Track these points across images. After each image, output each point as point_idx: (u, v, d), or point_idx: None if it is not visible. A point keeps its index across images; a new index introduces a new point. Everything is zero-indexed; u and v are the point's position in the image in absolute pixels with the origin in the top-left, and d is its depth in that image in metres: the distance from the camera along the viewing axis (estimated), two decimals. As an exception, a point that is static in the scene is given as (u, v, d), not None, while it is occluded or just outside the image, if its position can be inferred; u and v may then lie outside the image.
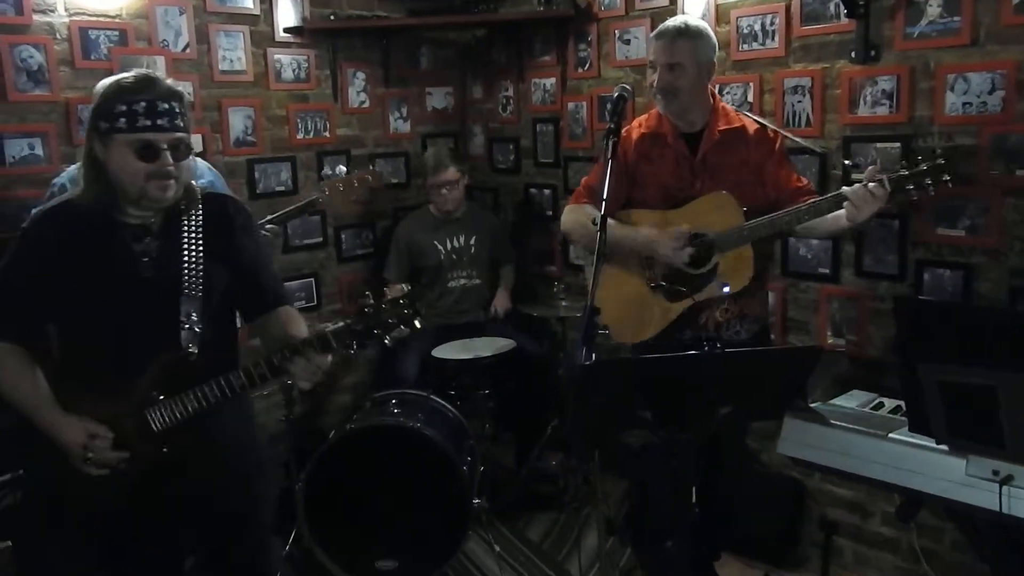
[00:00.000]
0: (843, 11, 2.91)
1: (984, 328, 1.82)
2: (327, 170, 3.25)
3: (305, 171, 3.97)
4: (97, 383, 1.93)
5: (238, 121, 3.74)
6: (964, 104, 2.70)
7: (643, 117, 2.77)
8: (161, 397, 1.93)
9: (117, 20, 3.39)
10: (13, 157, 3.18)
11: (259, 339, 2.17)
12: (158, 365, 1.93)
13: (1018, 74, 2.58)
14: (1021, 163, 2.61)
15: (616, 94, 2.44)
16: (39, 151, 3.22)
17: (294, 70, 3.92)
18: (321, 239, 4.10)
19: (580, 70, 3.95)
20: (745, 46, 3.24)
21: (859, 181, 2.31)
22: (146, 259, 1.93)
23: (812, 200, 2.43)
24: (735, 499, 2.91)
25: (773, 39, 3.16)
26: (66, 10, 3.25)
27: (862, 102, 2.94)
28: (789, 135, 2.58)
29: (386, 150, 4.32)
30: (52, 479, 1.99)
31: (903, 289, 2.91)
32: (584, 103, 3.95)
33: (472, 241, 4.02)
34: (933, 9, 2.73)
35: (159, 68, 3.44)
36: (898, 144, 2.85)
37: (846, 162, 2.46)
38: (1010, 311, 2.56)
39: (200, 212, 2.01)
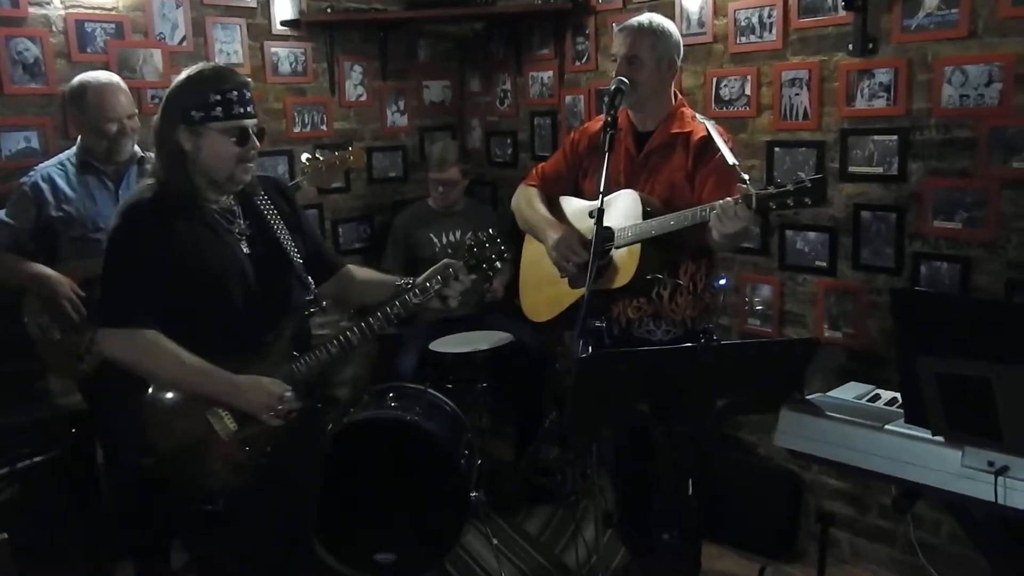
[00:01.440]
0: (841, 3, 2.91)
1: (981, 320, 1.82)
2: (307, 153, 3.27)
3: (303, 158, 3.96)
4: (225, 356, 2.01)
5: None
6: (962, 96, 2.70)
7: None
8: (297, 352, 2.10)
9: (113, 13, 3.38)
10: (9, 151, 3.18)
11: (342, 297, 2.38)
12: (294, 325, 2.11)
13: (1016, 67, 2.58)
14: (1018, 156, 2.61)
15: (613, 87, 2.45)
16: (35, 144, 3.22)
17: (291, 63, 3.91)
18: (318, 232, 4.10)
19: (578, 63, 3.94)
20: (743, 39, 3.24)
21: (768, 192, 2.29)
22: (244, 238, 2.08)
23: (695, 207, 2.38)
24: (716, 487, 2.92)
25: (771, 32, 3.15)
26: (62, 3, 3.25)
27: (859, 95, 2.94)
28: (724, 152, 2.53)
29: (384, 143, 4.32)
30: (168, 466, 2.04)
31: (900, 282, 2.92)
32: (582, 96, 3.95)
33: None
34: (931, 1, 2.72)
35: (156, 61, 3.45)
36: (895, 137, 2.86)
37: (743, 176, 2.40)
38: (1007, 304, 2.56)
39: (263, 192, 2.14)
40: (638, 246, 2.50)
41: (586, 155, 2.74)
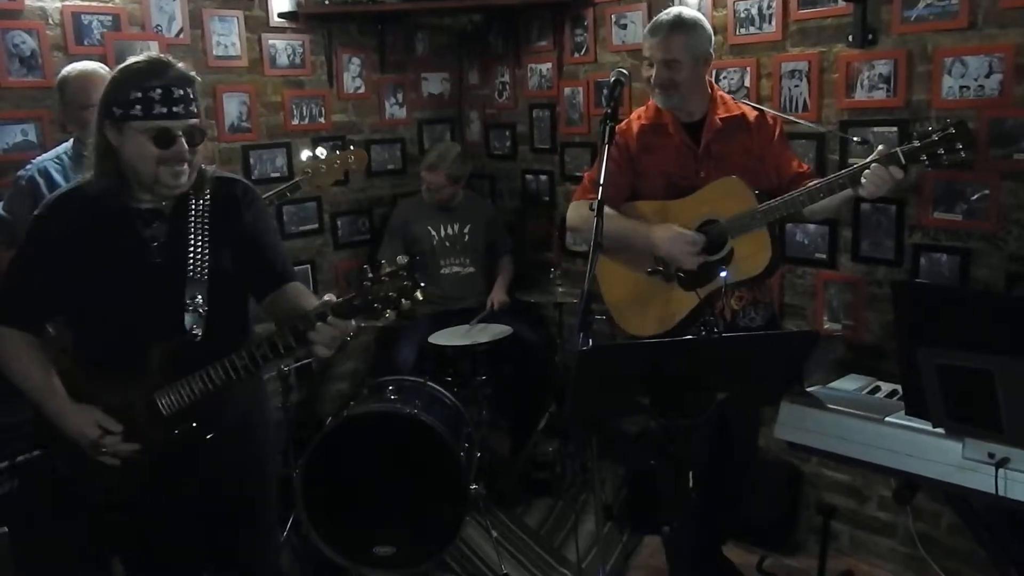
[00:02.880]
0: (840, -5, 2.90)
1: (981, 312, 1.82)
2: (308, 151, 3.25)
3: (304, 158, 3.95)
4: (109, 371, 1.93)
5: (233, 107, 3.72)
6: (961, 88, 2.69)
7: (641, 109, 2.77)
8: (167, 382, 1.92)
9: (110, 5, 3.37)
10: (7, 144, 3.17)
11: (271, 317, 2.16)
12: (161, 350, 1.92)
13: (1016, 57, 2.57)
14: (1019, 147, 2.60)
15: (612, 79, 2.43)
16: (32, 137, 3.21)
17: (289, 56, 3.90)
18: (317, 225, 4.09)
19: (577, 55, 3.93)
20: (742, 30, 3.23)
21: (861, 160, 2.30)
22: (155, 244, 1.93)
23: (828, 177, 2.39)
24: (742, 486, 2.91)
25: (770, 23, 3.14)
26: (58, -5, 3.23)
27: (859, 86, 2.93)
28: (790, 117, 2.58)
29: (382, 136, 4.31)
30: (69, 466, 2.01)
31: (900, 274, 2.91)
32: (581, 88, 3.94)
33: (466, 230, 4.01)
34: (931, -8, 2.72)
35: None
36: (895, 128, 2.85)
37: (855, 139, 2.43)
38: (1007, 295, 2.56)
39: (207, 196, 2.00)
40: (764, 232, 2.47)
41: (638, 155, 2.67)
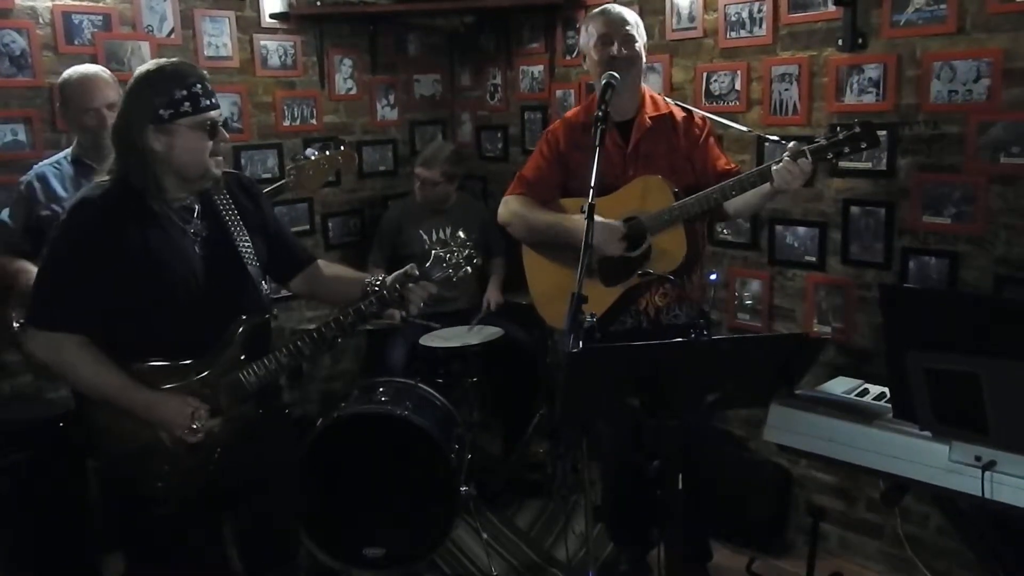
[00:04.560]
0: (831, -1, 2.92)
1: (969, 315, 1.83)
2: (298, 154, 3.24)
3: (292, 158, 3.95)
4: (170, 359, 1.99)
5: (224, 108, 3.65)
6: (950, 92, 2.71)
7: (577, 107, 2.85)
8: (246, 359, 2.04)
9: (101, 5, 3.36)
10: (-4, 143, 3.16)
11: (309, 293, 2.34)
12: (244, 331, 2.04)
13: (1004, 62, 2.59)
14: (1006, 151, 2.62)
15: (604, 82, 2.45)
16: (22, 137, 3.20)
17: (280, 56, 3.89)
18: (308, 227, 4.09)
19: (568, 57, 3.94)
20: (733, 34, 3.24)
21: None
22: (198, 239, 2.02)
23: (740, 175, 2.46)
24: (715, 487, 2.93)
25: (760, 27, 3.16)
26: (49, -6, 3.22)
27: (849, 90, 2.95)
28: (716, 118, 2.64)
29: (374, 137, 4.31)
30: (123, 462, 2.04)
31: (889, 277, 2.93)
32: (572, 91, 3.94)
33: (458, 233, 3.99)
34: (920, -3, 2.74)
35: (144, 54, 3.42)
36: (884, 132, 2.86)
37: (772, 137, 2.52)
38: (995, 298, 2.58)
39: (225, 190, 2.09)
40: (680, 229, 2.52)
41: (568, 153, 2.71)
